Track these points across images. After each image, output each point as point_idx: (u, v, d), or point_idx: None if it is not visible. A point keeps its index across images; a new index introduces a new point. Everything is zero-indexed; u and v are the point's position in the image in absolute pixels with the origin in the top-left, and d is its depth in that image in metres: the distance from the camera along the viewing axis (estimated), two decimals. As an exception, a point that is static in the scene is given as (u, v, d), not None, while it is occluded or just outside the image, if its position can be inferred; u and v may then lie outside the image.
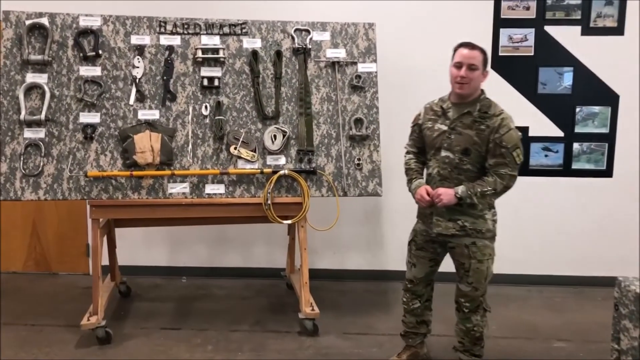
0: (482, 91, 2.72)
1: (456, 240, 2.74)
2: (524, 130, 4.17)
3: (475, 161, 2.66)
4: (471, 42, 2.66)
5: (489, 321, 2.91)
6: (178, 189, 3.35)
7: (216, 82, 3.45)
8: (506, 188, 2.64)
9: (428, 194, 2.71)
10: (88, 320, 3.22)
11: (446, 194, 2.63)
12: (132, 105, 3.38)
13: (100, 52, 3.36)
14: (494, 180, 2.61)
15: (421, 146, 2.90)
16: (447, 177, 2.70)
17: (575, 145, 4.20)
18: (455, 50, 2.69)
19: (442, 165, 2.72)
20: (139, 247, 4.36)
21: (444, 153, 2.71)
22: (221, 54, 3.46)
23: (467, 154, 2.65)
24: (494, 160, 2.62)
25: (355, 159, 3.51)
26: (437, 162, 2.74)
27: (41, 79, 3.30)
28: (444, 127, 2.72)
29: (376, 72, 3.61)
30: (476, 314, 2.82)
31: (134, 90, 3.39)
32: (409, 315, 3.02)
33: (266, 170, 3.40)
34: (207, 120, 3.44)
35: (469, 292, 2.78)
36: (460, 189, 2.63)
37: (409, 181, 2.89)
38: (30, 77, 3.29)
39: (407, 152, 2.98)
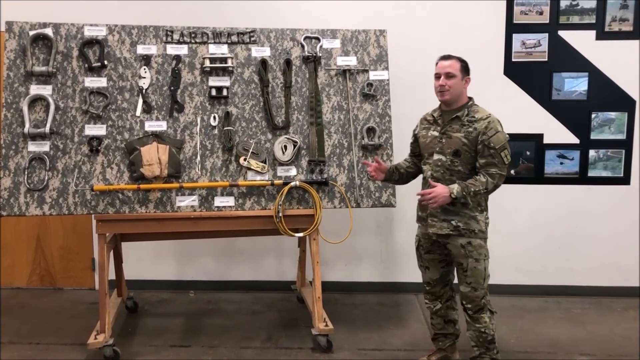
0: (470, 98, 2.88)
1: (452, 241, 2.84)
2: (538, 137, 4.11)
3: (465, 162, 2.80)
4: (449, 54, 2.86)
5: (497, 325, 2.91)
6: (187, 202, 3.26)
7: (224, 92, 3.38)
8: (496, 187, 2.77)
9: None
10: (95, 338, 3.12)
11: (440, 196, 2.71)
12: (138, 117, 3.31)
13: (105, 62, 3.29)
14: (485, 180, 2.74)
15: (416, 152, 3.10)
16: (439, 179, 2.84)
17: (591, 152, 4.11)
18: (436, 64, 2.87)
19: (434, 167, 2.87)
20: (145, 260, 4.26)
21: (436, 156, 2.87)
22: (229, 63, 3.38)
23: (457, 155, 2.80)
24: (484, 161, 2.76)
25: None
26: (430, 166, 2.90)
27: (45, 90, 3.23)
28: (436, 133, 2.90)
29: (388, 79, 3.53)
30: (482, 314, 2.84)
31: (140, 101, 3.31)
32: (434, 316, 3.08)
33: (277, 181, 3.32)
34: (216, 131, 3.36)
35: (469, 292, 2.84)
36: (455, 189, 2.73)
37: None
38: (34, 89, 3.22)
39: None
